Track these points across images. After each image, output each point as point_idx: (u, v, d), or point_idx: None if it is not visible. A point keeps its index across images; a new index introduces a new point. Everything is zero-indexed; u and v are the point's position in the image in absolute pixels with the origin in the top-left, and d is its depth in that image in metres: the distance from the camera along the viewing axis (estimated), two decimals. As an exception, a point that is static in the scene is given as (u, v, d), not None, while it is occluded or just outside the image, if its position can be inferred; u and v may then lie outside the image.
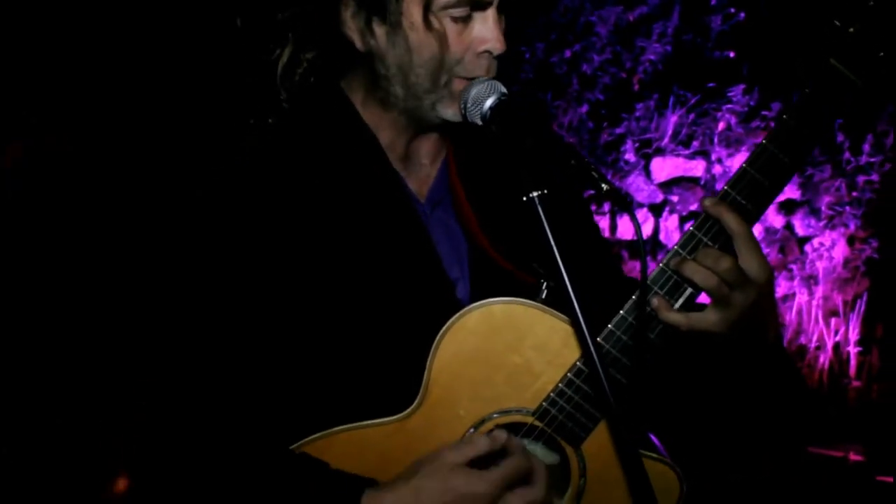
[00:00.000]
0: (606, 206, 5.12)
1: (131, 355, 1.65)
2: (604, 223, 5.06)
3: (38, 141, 3.92)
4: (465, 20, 1.57)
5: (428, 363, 1.59)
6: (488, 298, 1.61)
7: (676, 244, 1.61)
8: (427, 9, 1.54)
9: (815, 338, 5.13)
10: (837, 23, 1.58)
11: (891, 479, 4.27)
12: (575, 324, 1.39)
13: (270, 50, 1.68)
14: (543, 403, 1.61)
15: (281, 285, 1.59)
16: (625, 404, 1.37)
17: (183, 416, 1.58)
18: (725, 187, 1.61)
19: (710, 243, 1.60)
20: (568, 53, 5.08)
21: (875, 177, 5.15)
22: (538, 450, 1.65)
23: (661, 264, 1.60)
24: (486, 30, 1.57)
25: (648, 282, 1.58)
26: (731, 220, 1.57)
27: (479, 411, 1.62)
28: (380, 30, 1.59)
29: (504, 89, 1.55)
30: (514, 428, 1.64)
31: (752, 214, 1.60)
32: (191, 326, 1.59)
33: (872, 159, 5.14)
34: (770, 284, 1.57)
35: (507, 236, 1.72)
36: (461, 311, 1.60)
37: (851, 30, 1.56)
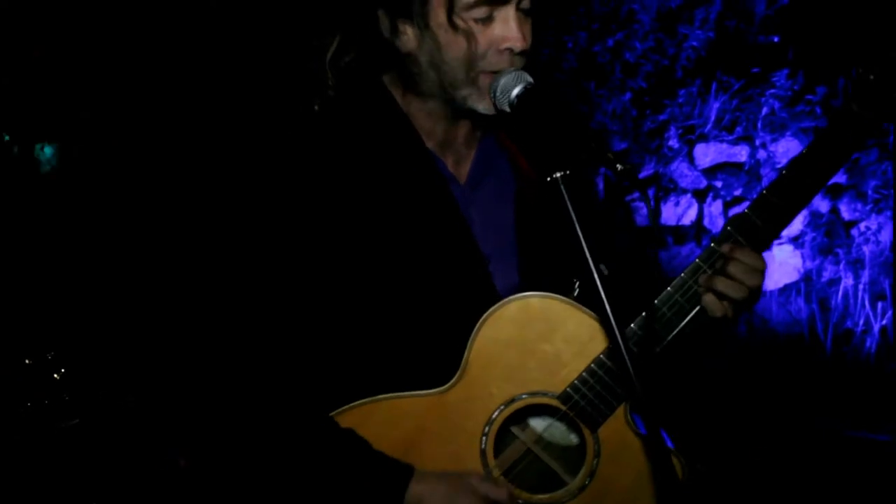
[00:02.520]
0: (650, 192, 5.16)
1: (173, 318, 1.75)
2: (646, 210, 5.09)
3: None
4: (487, 20, 1.68)
5: (469, 344, 1.72)
6: (533, 286, 1.76)
7: (697, 258, 1.77)
8: (451, 10, 1.65)
9: (861, 322, 5.11)
10: (860, 69, 1.71)
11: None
12: (602, 314, 1.48)
13: (318, 45, 1.80)
14: (568, 389, 1.74)
15: (321, 256, 1.71)
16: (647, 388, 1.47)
17: (228, 382, 1.69)
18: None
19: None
20: (611, 42, 5.11)
21: (922, 159, 5.11)
22: (560, 429, 1.79)
23: (683, 275, 1.77)
24: (507, 29, 1.68)
25: (671, 288, 1.76)
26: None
27: (510, 391, 1.75)
28: (411, 31, 1.71)
29: (530, 79, 1.66)
30: (539, 409, 1.77)
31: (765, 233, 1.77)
32: (237, 292, 1.70)
33: (919, 141, 5.10)
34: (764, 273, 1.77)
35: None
36: (502, 301, 1.73)
37: (872, 77, 1.71)
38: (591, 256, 1.50)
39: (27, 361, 2.76)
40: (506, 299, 1.74)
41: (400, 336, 1.75)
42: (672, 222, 5.22)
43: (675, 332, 1.76)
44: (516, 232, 1.86)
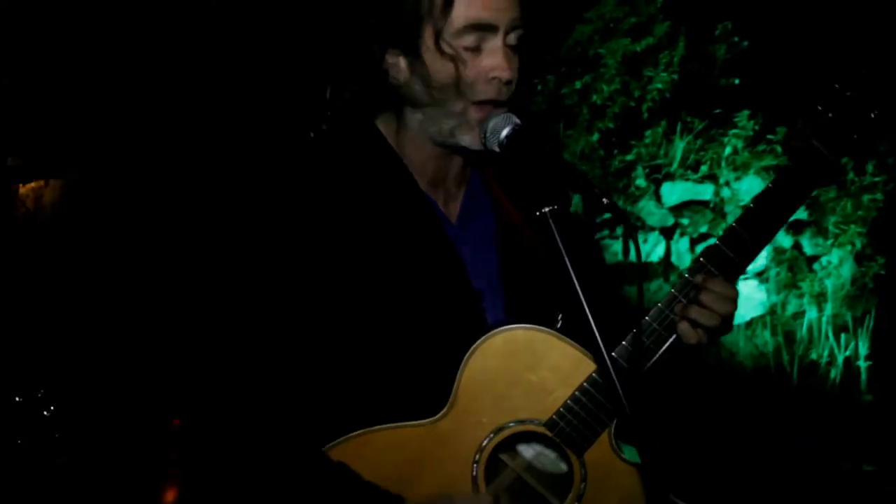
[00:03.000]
0: (618, 231, 5.27)
1: (174, 355, 1.82)
2: (617, 246, 5.21)
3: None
4: (476, 50, 1.75)
5: (458, 375, 1.80)
6: (517, 321, 1.83)
7: (673, 288, 1.85)
8: (438, 35, 1.72)
9: (825, 353, 5.24)
10: (819, 108, 1.81)
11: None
12: (589, 336, 1.58)
13: (313, 79, 1.88)
14: (553, 416, 1.81)
15: (317, 293, 1.76)
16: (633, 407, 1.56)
17: (225, 414, 1.75)
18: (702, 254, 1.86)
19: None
20: (578, 84, 5.25)
21: (880, 195, 5.28)
22: (552, 454, 1.86)
23: (660, 305, 1.84)
24: (494, 59, 1.74)
25: (648, 318, 1.84)
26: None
27: (499, 419, 1.82)
28: (403, 62, 1.77)
29: (518, 120, 1.74)
30: (527, 436, 1.84)
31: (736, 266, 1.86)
32: (234, 326, 1.76)
33: (876, 178, 5.26)
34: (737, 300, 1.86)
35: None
36: (489, 333, 1.81)
37: (830, 115, 1.81)
38: (578, 283, 1.59)
39: (17, 399, 2.80)
40: (492, 332, 1.81)
41: (394, 369, 1.81)
42: (639, 260, 5.32)
43: (654, 359, 1.84)
44: (500, 268, 1.93)
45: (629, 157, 5.23)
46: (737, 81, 5.45)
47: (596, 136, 5.18)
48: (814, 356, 5.25)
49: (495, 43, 1.75)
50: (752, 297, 5.33)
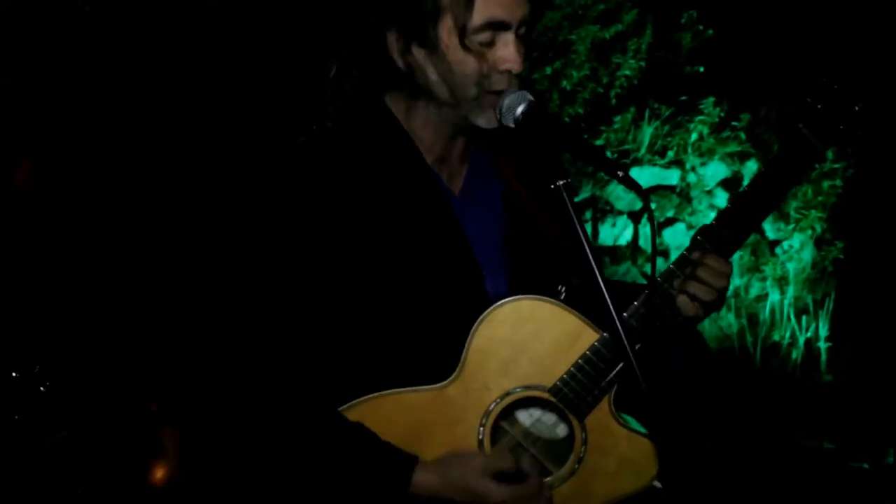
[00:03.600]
0: (587, 215, 5.36)
1: (191, 323, 1.88)
2: (588, 228, 5.30)
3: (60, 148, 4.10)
4: (490, 44, 1.84)
5: (466, 343, 1.88)
6: (520, 293, 1.92)
7: (672, 264, 1.95)
8: (462, 33, 1.82)
9: (787, 335, 5.38)
10: (808, 99, 1.92)
11: (862, 466, 4.52)
12: (600, 298, 1.67)
13: (321, 64, 1.95)
14: (557, 383, 1.90)
15: (329, 264, 1.84)
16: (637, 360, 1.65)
17: (243, 380, 1.83)
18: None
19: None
20: (549, 70, 5.32)
21: (839, 182, 5.42)
22: (550, 420, 1.96)
23: (659, 279, 1.94)
24: (507, 52, 1.84)
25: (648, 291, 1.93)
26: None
27: (505, 385, 1.91)
28: (419, 52, 1.86)
29: (531, 98, 1.83)
30: (532, 401, 1.93)
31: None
32: (251, 297, 1.84)
33: (836, 165, 5.40)
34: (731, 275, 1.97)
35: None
36: (497, 303, 1.89)
37: (819, 107, 1.92)
38: (591, 252, 1.67)
39: (14, 374, 2.80)
40: (500, 302, 1.90)
41: (404, 337, 1.88)
42: (609, 242, 5.43)
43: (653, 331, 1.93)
44: (504, 242, 2.01)
45: (598, 143, 5.31)
46: (702, 69, 5.55)
47: (567, 122, 5.25)
48: (776, 338, 5.39)
49: (508, 37, 1.85)
50: (716, 280, 5.44)
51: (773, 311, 5.39)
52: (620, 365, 1.88)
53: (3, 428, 2.84)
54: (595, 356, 1.89)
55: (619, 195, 5.42)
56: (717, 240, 1.95)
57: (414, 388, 1.88)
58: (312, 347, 1.87)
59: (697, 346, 2.16)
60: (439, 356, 1.88)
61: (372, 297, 1.87)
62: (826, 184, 5.40)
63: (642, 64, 5.41)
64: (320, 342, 1.87)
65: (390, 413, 1.87)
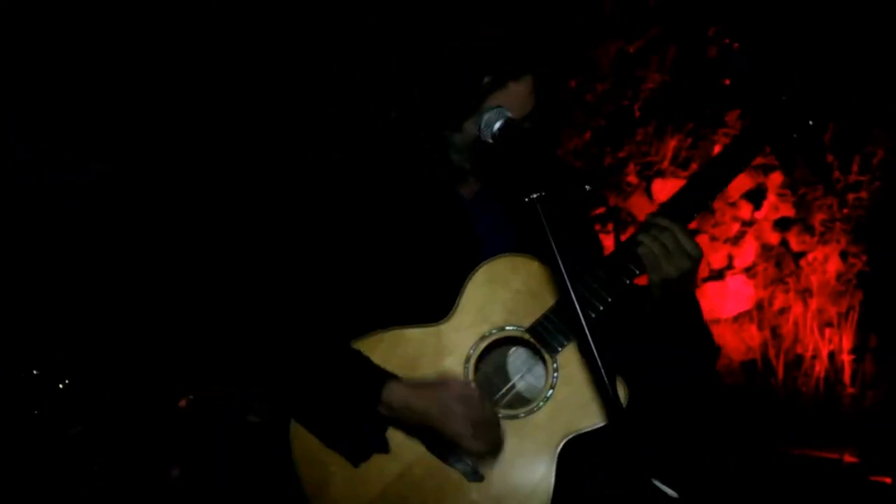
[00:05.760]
0: (610, 226, 5.39)
1: (229, 279, 2.28)
2: (609, 241, 5.32)
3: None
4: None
5: (461, 291, 2.19)
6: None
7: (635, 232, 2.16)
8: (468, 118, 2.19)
9: (811, 347, 5.36)
10: (766, 109, 2.23)
11: (885, 480, 4.50)
12: (557, 273, 1.87)
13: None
14: (535, 324, 2.17)
15: (353, 238, 2.21)
16: (593, 328, 1.83)
17: (270, 324, 2.19)
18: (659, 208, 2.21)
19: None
20: (572, 84, 5.37)
21: (864, 194, 5.40)
22: (528, 356, 2.23)
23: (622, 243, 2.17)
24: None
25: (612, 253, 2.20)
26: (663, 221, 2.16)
27: (491, 325, 2.19)
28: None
29: (509, 114, 1.96)
30: (512, 339, 2.22)
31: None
32: (292, 274, 2.23)
33: (861, 178, 5.38)
34: (699, 261, 2.16)
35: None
36: (487, 259, 2.20)
37: (784, 98, 2.23)
38: (564, 268, 1.81)
39: (34, 372, 2.92)
40: (489, 258, 2.19)
41: (414, 293, 2.20)
42: (632, 254, 5.44)
43: (613, 293, 2.14)
44: (510, 237, 2.28)
45: (622, 155, 5.34)
46: (726, 81, 5.57)
47: (590, 134, 5.30)
48: (799, 350, 5.37)
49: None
50: (740, 291, 5.46)
51: (796, 324, 5.38)
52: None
53: (23, 423, 2.97)
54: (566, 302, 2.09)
55: (642, 206, 5.45)
56: (676, 206, 2.21)
57: (418, 325, 2.18)
58: (336, 300, 2.21)
59: (702, 354, 2.28)
60: (440, 305, 2.17)
61: (389, 268, 2.22)
62: (851, 196, 5.38)
63: (666, 77, 5.44)
64: (351, 308, 2.21)
65: (391, 344, 2.17)
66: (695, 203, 2.22)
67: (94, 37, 4.39)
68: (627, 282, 2.13)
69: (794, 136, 2.18)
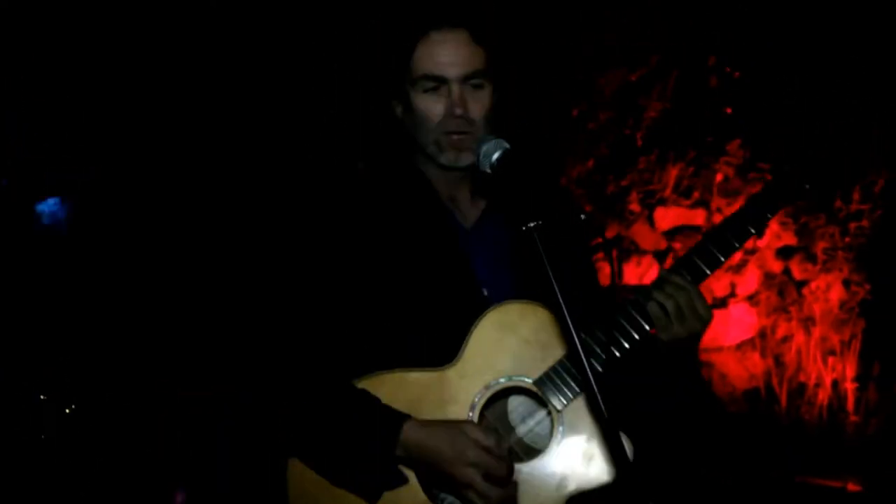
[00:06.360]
0: (614, 252, 5.41)
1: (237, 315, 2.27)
2: (608, 269, 5.34)
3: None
4: (437, 91, 2.22)
5: (467, 336, 2.17)
6: (515, 298, 2.20)
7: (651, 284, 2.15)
8: (413, 85, 2.22)
9: (813, 376, 5.35)
10: (778, 165, 2.24)
11: (889, 509, 4.48)
12: (563, 324, 1.84)
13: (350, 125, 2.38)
14: (542, 375, 2.16)
15: (353, 274, 2.19)
16: (600, 382, 1.81)
17: (275, 362, 2.17)
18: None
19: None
20: (575, 112, 5.42)
21: (865, 223, 5.41)
22: (532, 406, 2.20)
23: (634, 296, 2.14)
24: (449, 100, 2.20)
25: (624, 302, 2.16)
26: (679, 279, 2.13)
27: (497, 373, 2.17)
28: (399, 106, 2.30)
29: (507, 145, 2.01)
30: (518, 390, 2.20)
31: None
32: (293, 307, 2.20)
33: (862, 206, 5.40)
34: (709, 323, 2.13)
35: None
36: (495, 305, 2.17)
37: (774, 182, 2.27)
38: (561, 296, 1.82)
39: (42, 398, 2.93)
40: (502, 302, 2.18)
41: (414, 334, 2.17)
42: (634, 281, 5.47)
43: (626, 345, 2.13)
44: (511, 268, 2.26)
45: (624, 183, 5.37)
46: (728, 110, 5.60)
47: (592, 163, 5.33)
48: (802, 378, 5.37)
49: (448, 88, 2.20)
50: (742, 319, 5.47)
51: (799, 352, 5.38)
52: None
53: (30, 445, 2.97)
54: (570, 361, 2.15)
55: (644, 234, 5.47)
56: (690, 264, 2.17)
57: (421, 369, 2.16)
58: (343, 346, 2.18)
59: (691, 381, 2.29)
60: (441, 347, 2.15)
61: (389, 303, 2.20)
62: (852, 224, 5.40)
63: (668, 106, 5.47)
64: (349, 342, 2.19)
65: (394, 387, 2.14)
66: (708, 261, 2.16)
67: (94, 37, 4.42)
68: (637, 338, 2.12)
69: (791, 200, 2.23)
